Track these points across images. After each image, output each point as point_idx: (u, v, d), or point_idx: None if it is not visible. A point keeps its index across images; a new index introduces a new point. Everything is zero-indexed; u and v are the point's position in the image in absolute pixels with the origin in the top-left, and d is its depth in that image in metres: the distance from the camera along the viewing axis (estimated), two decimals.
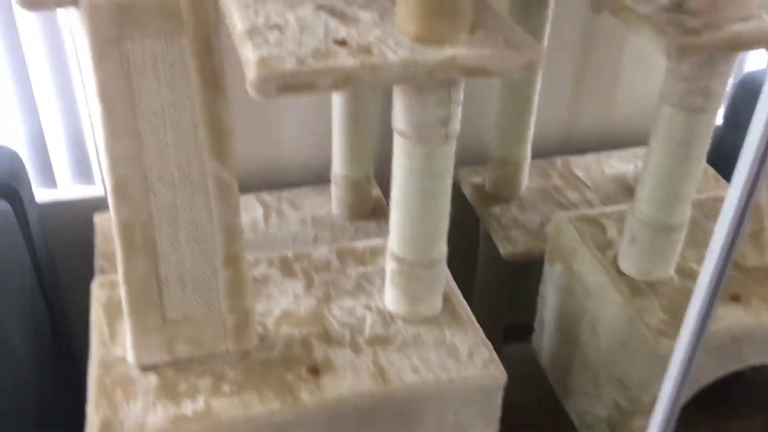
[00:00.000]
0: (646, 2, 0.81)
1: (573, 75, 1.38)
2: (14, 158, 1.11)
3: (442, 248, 0.87)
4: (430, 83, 0.73)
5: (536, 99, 1.21)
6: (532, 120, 1.23)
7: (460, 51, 0.70)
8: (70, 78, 1.14)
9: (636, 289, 0.94)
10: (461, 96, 0.77)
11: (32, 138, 1.18)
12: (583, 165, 1.38)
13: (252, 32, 0.72)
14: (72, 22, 1.07)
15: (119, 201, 0.78)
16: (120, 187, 0.78)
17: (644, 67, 1.39)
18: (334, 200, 1.24)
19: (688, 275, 0.97)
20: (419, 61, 0.69)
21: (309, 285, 0.94)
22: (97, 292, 0.92)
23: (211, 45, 0.80)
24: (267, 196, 1.27)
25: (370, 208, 1.24)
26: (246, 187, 1.16)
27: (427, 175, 0.80)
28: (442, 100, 0.75)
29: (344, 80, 0.68)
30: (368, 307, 0.91)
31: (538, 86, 1.20)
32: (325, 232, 1.21)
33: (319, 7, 0.78)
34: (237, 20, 0.74)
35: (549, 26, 1.15)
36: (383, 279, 0.92)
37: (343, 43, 0.71)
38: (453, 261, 0.90)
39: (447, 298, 0.92)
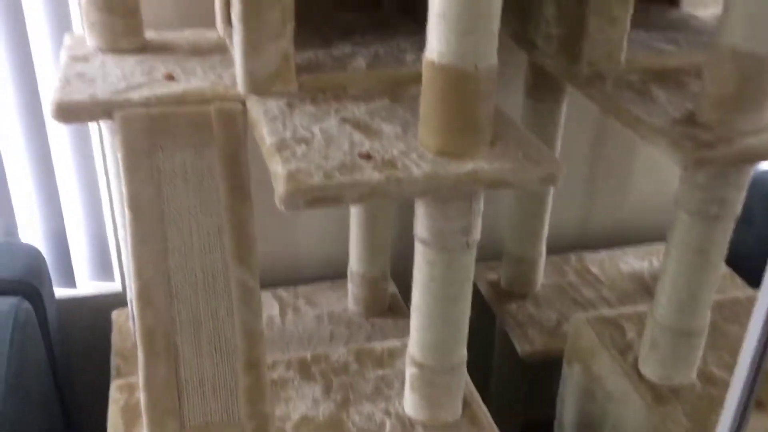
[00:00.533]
0: (658, 114, 0.84)
1: (586, 171, 1.41)
2: (36, 256, 1.13)
3: (462, 353, 0.87)
4: (452, 195, 0.75)
5: (550, 197, 1.23)
6: (547, 218, 1.25)
7: (481, 165, 0.72)
8: (95, 176, 1.17)
9: (658, 395, 0.93)
10: (482, 206, 0.78)
11: (54, 236, 1.20)
12: (597, 261, 1.38)
13: (280, 146, 0.74)
14: (102, 129, 1.11)
15: (144, 307, 0.79)
16: (145, 293, 0.79)
17: (657, 164, 1.42)
18: (350, 297, 1.24)
19: (710, 380, 0.96)
20: (442, 175, 0.71)
21: (327, 388, 0.94)
22: (116, 395, 0.92)
23: (239, 155, 0.83)
24: (283, 293, 1.27)
25: (386, 306, 1.24)
26: (262, 282, 1.17)
27: (447, 283, 0.80)
28: (464, 210, 0.77)
29: (370, 194, 0.70)
30: (387, 413, 0.90)
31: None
32: (342, 329, 1.21)
33: (344, 120, 0.80)
34: (266, 133, 0.77)
35: (562, 126, 1.18)
36: (402, 382, 0.91)
37: (368, 156, 0.73)
38: (468, 357, 0.90)
39: (467, 403, 0.91)
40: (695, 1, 1.16)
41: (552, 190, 1.22)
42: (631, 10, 0.92)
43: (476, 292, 1.31)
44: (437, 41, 0.69)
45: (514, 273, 1.29)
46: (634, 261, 1.39)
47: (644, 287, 1.32)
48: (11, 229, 1.17)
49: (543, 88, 1.13)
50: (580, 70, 0.94)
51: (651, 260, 1.38)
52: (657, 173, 1.43)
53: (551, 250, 1.33)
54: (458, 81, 0.70)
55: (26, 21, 1.03)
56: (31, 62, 1.06)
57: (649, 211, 1.46)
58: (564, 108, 1.16)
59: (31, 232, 1.19)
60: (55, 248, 1.21)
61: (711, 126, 0.80)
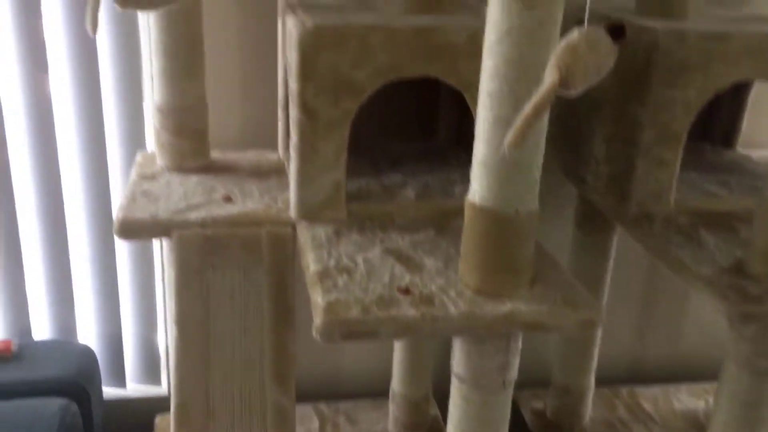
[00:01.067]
0: (706, 261, 0.83)
1: (639, 301, 1.38)
2: (89, 355, 1.17)
3: None
4: (488, 334, 0.75)
5: (600, 329, 1.21)
6: (596, 349, 1.22)
7: (519, 306, 0.73)
8: (153, 282, 1.22)
9: None
10: (519, 345, 0.78)
11: (109, 337, 1.24)
12: (650, 397, 1.33)
13: (323, 275, 0.77)
14: (163, 242, 1.16)
15: (180, 424, 0.80)
16: (183, 410, 0.81)
17: None
18: (391, 418, 1.23)
19: None
20: (478, 315, 0.71)
21: None
22: None
23: (285, 278, 0.86)
24: (324, 408, 1.27)
25: (427, 429, 1.22)
26: (303, 394, 1.17)
27: (482, 421, 0.79)
28: (501, 349, 0.77)
29: (405, 330, 0.71)
30: None
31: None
32: None
33: (388, 251, 0.83)
34: (311, 261, 0.80)
35: (612, 258, 1.17)
36: None
37: (406, 291, 0.75)
38: None
39: None
40: (750, 142, 1.16)
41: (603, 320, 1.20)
42: (680, 153, 0.93)
43: (521, 420, 1.28)
44: (479, 185, 0.71)
45: (561, 404, 1.26)
46: (688, 399, 1.33)
47: (698, 428, 1.26)
48: (70, 328, 1.22)
49: (593, 222, 1.13)
50: (629, 209, 0.95)
51: (707, 399, 1.32)
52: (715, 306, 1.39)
53: (601, 382, 1.29)
54: (498, 224, 0.71)
55: (105, 138, 1.12)
56: (107, 175, 1.14)
57: (707, 346, 1.41)
58: (614, 241, 1.16)
59: (88, 332, 1.24)
60: (109, 349, 1.25)
61: (759, 278, 0.78)
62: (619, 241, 1.17)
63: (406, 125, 1.14)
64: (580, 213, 1.15)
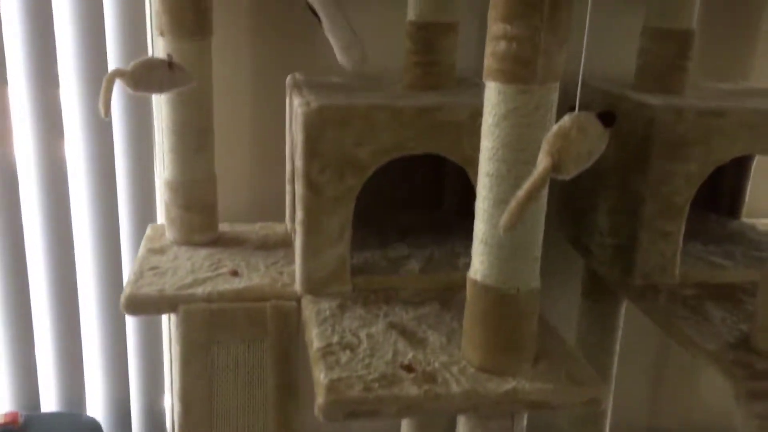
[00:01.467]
0: (712, 336, 0.82)
1: (650, 370, 1.36)
2: (95, 428, 1.16)
3: None
4: (492, 412, 0.74)
5: (610, 399, 1.19)
6: (607, 422, 1.20)
7: (522, 384, 0.72)
8: (161, 356, 1.22)
9: None
10: (525, 422, 0.77)
11: (116, 409, 1.24)
12: None
13: (326, 352, 0.77)
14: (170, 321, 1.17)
15: None
16: None
17: None
18: None
19: None
20: (481, 394, 0.71)
21: None
22: None
23: (289, 353, 0.86)
24: None
25: None
26: None
27: None
28: (505, 427, 0.76)
29: (407, 409, 0.70)
30: None
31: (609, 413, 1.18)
32: None
33: (391, 326, 0.83)
34: (314, 336, 0.80)
35: (621, 327, 1.16)
36: None
37: (409, 368, 0.74)
38: None
39: None
40: (755, 212, 1.17)
41: (613, 389, 1.19)
42: (683, 226, 0.94)
43: None
44: (480, 263, 0.72)
45: None
46: None
47: None
48: (78, 400, 1.22)
49: (600, 291, 1.13)
50: (633, 281, 0.95)
51: None
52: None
53: None
54: (500, 302, 0.72)
55: (119, 212, 1.14)
56: (118, 247, 1.16)
57: (721, 416, 1.39)
58: (623, 309, 1.15)
59: (95, 404, 1.24)
60: (116, 422, 1.24)
61: (765, 354, 0.77)
62: (628, 309, 1.16)
63: (412, 195, 1.16)
64: (587, 282, 1.15)
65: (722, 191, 1.18)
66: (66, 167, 1.11)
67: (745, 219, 1.16)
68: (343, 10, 0.86)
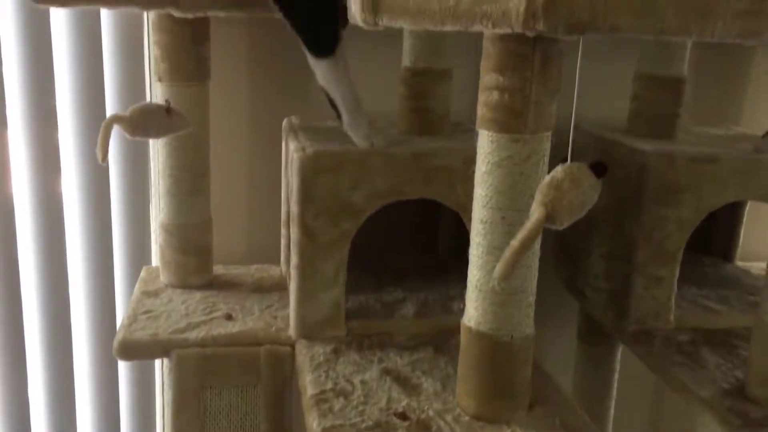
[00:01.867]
0: (706, 382, 0.82)
1: (648, 413, 1.35)
2: None
3: None
4: None
5: None
6: None
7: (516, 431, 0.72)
8: (154, 402, 1.21)
9: None
10: None
11: None
12: None
13: (320, 399, 0.76)
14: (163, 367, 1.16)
15: None
16: None
17: None
18: None
19: None
20: None
21: None
22: None
23: (282, 398, 0.86)
24: None
25: None
26: None
27: None
28: None
29: None
30: None
31: None
32: None
33: (386, 371, 0.83)
34: (308, 383, 0.79)
35: (617, 371, 1.15)
36: None
37: (403, 416, 0.74)
38: None
39: None
40: (748, 255, 1.17)
41: None
42: (677, 271, 0.94)
43: None
44: (474, 309, 0.72)
45: None
46: None
47: None
48: None
49: (596, 334, 1.13)
50: (628, 326, 0.95)
51: None
52: None
53: None
54: (493, 349, 0.72)
55: (114, 254, 1.14)
56: (112, 289, 1.16)
57: None
58: (619, 353, 1.15)
59: None
60: None
61: (759, 401, 0.77)
62: (624, 352, 1.16)
63: (407, 238, 1.16)
64: (582, 325, 1.15)
65: (716, 235, 1.19)
66: (62, 208, 1.11)
67: (739, 263, 1.16)
68: (362, 105, 0.87)
